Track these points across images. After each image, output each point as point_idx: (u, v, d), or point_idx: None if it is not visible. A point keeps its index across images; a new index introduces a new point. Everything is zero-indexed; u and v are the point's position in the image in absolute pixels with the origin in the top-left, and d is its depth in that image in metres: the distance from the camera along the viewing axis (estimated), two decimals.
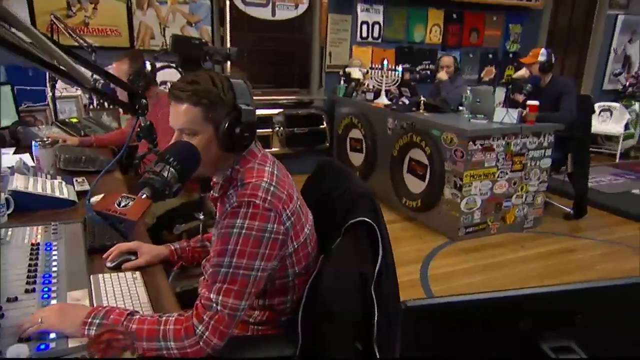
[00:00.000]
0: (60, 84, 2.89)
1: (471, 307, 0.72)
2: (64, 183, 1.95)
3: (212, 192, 1.25)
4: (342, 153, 4.91)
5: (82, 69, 0.90)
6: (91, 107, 3.46)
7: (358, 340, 1.25)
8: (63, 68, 0.85)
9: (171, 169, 1.02)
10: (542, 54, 3.76)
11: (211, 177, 1.27)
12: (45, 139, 2.09)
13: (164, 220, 2.50)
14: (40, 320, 0.99)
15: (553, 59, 3.83)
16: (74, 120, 2.90)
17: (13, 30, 0.68)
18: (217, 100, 1.12)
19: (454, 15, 5.53)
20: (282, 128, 4.89)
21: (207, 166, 1.16)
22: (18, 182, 1.78)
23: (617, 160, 6.15)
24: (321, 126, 5.09)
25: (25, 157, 2.25)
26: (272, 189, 1.12)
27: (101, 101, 3.30)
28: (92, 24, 3.94)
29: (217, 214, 1.25)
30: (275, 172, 1.19)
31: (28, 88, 3.55)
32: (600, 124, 6.12)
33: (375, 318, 1.22)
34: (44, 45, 0.77)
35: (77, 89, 3.56)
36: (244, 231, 1.07)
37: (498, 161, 3.57)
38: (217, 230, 1.15)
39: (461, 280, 3.03)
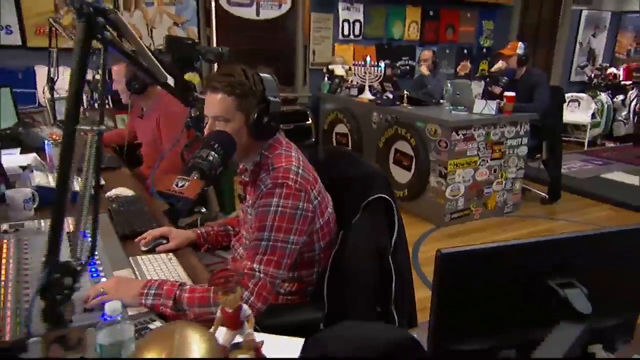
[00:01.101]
0: (57, 85, 2.94)
1: (490, 253, 0.87)
2: (78, 179, 2.03)
3: (242, 176, 1.38)
4: (329, 145, 5.06)
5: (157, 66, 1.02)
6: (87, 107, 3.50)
7: (377, 303, 1.40)
8: (145, 64, 0.97)
9: (215, 154, 1.14)
10: (520, 47, 4.01)
11: (237, 163, 1.39)
12: (57, 138, 2.16)
13: (169, 214, 2.59)
14: (101, 290, 1.11)
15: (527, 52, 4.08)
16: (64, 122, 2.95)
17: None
18: (249, 91, 1.25)
19: (431, 12, 5.76)
20: None
21: (238, 152, 1.28)
22: (39, 178, 1.87)
23: (586, 147, 6.50)
24: (307, 122, 5.22)
25: (32, 156, 2.32)
26: (300, 171, 1.26)
27: (95, 102, 3.35)
28: None
29: (247, 197, 1.38)
30: (300, 157, 1.33)
31: (18, 90, 3.57)
32: (569, 114, 6.45)
33: (393, 284, 1.37)
34: (140, 48, 0.90)
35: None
36: (279, 209, 1.21)
37: (479, 150, 3.79)
38: (253, 209, 1.28)
39: None
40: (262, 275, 1.18)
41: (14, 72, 3.73)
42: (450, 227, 3.82)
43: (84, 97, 3.51)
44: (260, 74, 1.27)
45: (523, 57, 4.03)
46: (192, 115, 1.27)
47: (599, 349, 0.93)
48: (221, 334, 0.82)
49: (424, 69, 4.52)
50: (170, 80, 1.10)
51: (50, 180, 1.90)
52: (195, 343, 0.65)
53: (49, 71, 2.83)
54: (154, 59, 1.00)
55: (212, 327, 0.81)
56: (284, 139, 1.37)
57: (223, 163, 1.17)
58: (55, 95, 2.95)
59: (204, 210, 2.78)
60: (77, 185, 1.90)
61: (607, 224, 3.86)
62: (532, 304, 0.88)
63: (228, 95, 1.23)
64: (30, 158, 2.19)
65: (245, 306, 0.82)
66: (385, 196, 1.35)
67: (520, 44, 4.05)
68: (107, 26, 0.72)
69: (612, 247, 0.94)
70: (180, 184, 1.02)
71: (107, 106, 3.63)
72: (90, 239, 0.89)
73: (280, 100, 1.29)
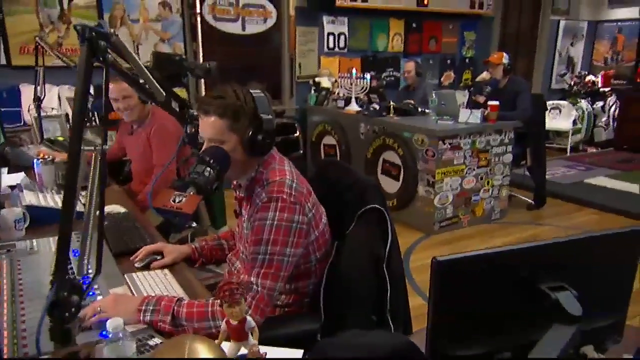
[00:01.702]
0: (44, 103, 2.92)
1: (484, 259, 0.90)
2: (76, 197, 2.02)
3: (237, 192, 1.40)
4: (316, 159, 5.08)
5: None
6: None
7: (373, 313, 1.42)
8: (142, 81, 0.99)
9: (210, 170, 1.16)
10: (505, 57, 4.13)
11: (231, 180, 1.41)
12: (46, 157, 2.15)
13: (161, 229, 2.59)
14: (99, 309, 1.11)
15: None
16: (61, 138, 2.94)
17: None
18: (241, 112, 1.26)
19: (414, 25, 5.86)
20: None
21: (233, 170, 1.30)
22: (30, 198, 1.86)
23: (568, 153, 6.63)
24: (294, 134, 5.25)
25: (20, 176, 2.30)
26: (294, 185, 1.28)
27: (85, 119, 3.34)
28: (65, 43, 3.97)
29: (243, 211, 1.39)
30: (293, 170, 1.35)
31: (3, 109, 3.54)
32: (551, 121, 6.59)
33: (388, 293, 1.39)
34: (139, 68, 0.91)
35: (53, 109, 3.58)
36: (275, 222, 1.23)
37: (465, 158, 3.85)
38: (249, 224, 1.29)
39: None
40: (259, 288, 1.20)
41: None
42: (439, 235, 3.86)
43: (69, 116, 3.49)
44: (252, 92, 1.29)
45: (508, 67, 4.14)
46: (188, 132, 1.28)
47: (591, 350, 0.96)
48: (226, 346, 0.84)
49: (409, 80, 4.61)
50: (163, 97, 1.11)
51: (41, 200, 1.89)
52: (205, 356, 0.66)
53: (35, 89, 2.82)
54: (153, 79, 1.02)
55: (218, 340, 0.82)
56: (277, 153, 1.39)
57: (218, 178, 1.19)
58: (42, 114, 2.94)
59: (195, 224, 2.78)
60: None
61: (592, 228, 3.94)
62: (525, 307, 0.91)
63: (220, 118, 1.24)
64: (19, 177, 2.17)
65: (249, 318, 0.83)
66: (379, 206, 1.38)
67: (504, 54, 4.16)
68: (109, 49, 0.74)
69: (600, 250, 0.97)
70: (177, 200, 1.04)
71: (92, 123, 3.62)
72: (83, 256, 0.89)
73: (273, 116, 1.31)
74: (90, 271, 0.86)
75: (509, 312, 0.91)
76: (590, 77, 7.23)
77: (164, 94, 1.09)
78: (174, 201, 1.03)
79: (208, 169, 1.16)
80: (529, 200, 4.50)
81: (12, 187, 2.06)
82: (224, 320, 0.83)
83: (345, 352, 0.70)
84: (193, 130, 1.29)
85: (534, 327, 0.90)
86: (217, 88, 1.28)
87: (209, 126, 1.26)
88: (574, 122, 6.70)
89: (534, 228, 4.09)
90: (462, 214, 3.99)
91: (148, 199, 1.14)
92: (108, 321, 0.82)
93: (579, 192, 4.87)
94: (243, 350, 0.85)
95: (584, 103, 6.91)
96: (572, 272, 0.92)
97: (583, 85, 7.14)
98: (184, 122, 1.29)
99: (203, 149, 1.28)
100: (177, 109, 1.27)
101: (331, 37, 5.35)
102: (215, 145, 1.24)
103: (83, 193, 2.17)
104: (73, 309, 0.67)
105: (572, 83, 7.22)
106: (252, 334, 0.84)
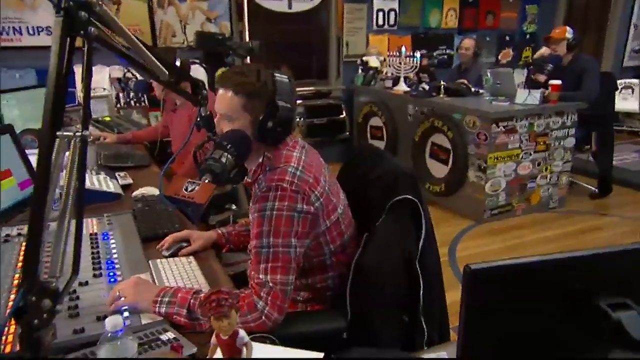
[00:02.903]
0: (95, 84, 2.98)
1: (525, 268, 0.77)
2: (108, 178, 2.04)
3: (246, 177, 1.32)
4: (362, 141, 4.95)
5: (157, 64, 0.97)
6: (118, 105, 3.56)
7: (404, 312, 1.31)
8: (143, 62, 0.92)
9: (228, 156, 1.08)
10: (568, 32, 3.75)
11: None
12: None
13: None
14: (118, 293, 1.08)
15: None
16: (107, 118, 3.00)
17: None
18: (258, 93, 1.18)
19: None
20: (302, 119, 4.94)
21: None
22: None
23: None
24: (340, 116, 5.13)
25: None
26: (298, 173, 1.18)
27: (130, 100, 3.40)
28: None
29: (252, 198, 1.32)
30: (303, 157, 1.24)
31: None
32: (621, 102, 6.03)
33: (421, 291, 1.27)
34: (133, 44, 0.85)
35: (105, 89, 3.68)
36: (275, 212, 1.15)
37: (521, 142, 3.58)
38: (251, 214, 1.22)
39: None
40: (271, 284, 1.12)
41: (11, 73, 3.79)
42: (490, 223, 3.65)
43: (120, 96, 3.57)
44: (276, 76, 1.20)
45: (573, 42, 3.76)
46: (202, 114, 1.21)
47: None
48: None
49: (464, 58, 4.33)
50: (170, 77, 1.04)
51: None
52: None
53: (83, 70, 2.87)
54: (152, 56, 0.95)
55: (207, 356, 0.75)
56: (291, 139, 1.28)
57: (237, 164, 1.11)
58: (92, 94, 3.00)
59: (234, 207, 2.76)
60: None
61: None
62: (574, 326, 0.77)
63: (235, 94, 1.18)
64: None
65: (242, 332, 0.75)
66: (411, 197, 1.25)
67: (568, 28, 3.79)
68: (93, 20, 0.66)
69: None
70: (189, 188, 0.97)
71: (142, 104, 3.68)
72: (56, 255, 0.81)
73: (293, 105, 1.22)
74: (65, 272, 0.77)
75: (553, 329, 0.78)
76: None
77: (168, 73, 1.01)
78: (186, 190, 0.96)
79: (226, 154, 1.08)
80: (593, 188, 4.15)
81: None
82: (214, 334, 0.75)
83: None
84: (208, 112, 1.22)
85: (583, 349, 0.77)
86: (241, 65, 1.20)
87: (223, 100, 1.20)
88: None
89: (596, 219, 3.76)
90: (515, 201, 3.74)
91: (159, 186, 1.08)
92: (107, 320, 0.77)
93: None
94: None
95: None
96: (638, 288, 0.77)
97: None
98: (197, 103, 1.21)
99: (216, 124, 1.21)
100: (189, 90, 1.20)
101: (380, 14, 5.12)
102: (235, 129, 1.17)
103: (122, 174, 2.19)
104: (44, 315, 0.62)
105: None
106: (246, 348, 0.75)
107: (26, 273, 0.62)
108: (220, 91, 1.20)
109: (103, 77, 3.88)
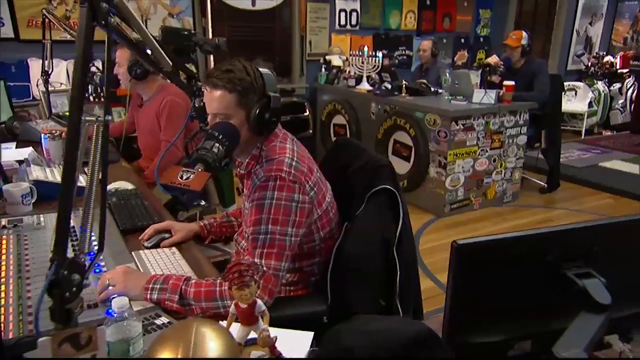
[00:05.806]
0: (52, 78, 2.89)
1: (506, 243, 0.86)
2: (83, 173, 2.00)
3: (238, 169, 1.35)
4: (325, 139, 5.02)
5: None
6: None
7: (381, 296, 1.38)
8: (151, 55, 0.94)
9: (219, 146, 1.12)
10: (524, 38, 3.98)
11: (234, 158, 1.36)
12: (53, 132, 2.12)
13: (169, 207, 2.56)
14: (107, 281, 1.09)
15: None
16: (69, 113, 2.90)
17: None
18: (250, 87, 1.22)
19: (428, 2, 5.70)
20: None
21: (238, 147, 1.25)
22: (37, 173, 1.83)
23: (583, 136, 6.50)
24: (304, 114, 5.18)
25: (28, 150, 2.28)
26: (294, 163, 1.24)
27: (90, 94, 3.31)
28: (73, 17, 3.90)
29: (244, 189, 1.35)
30: (295, 148, 1.30)
31: (12, 84, 3.51)
32: (566, 103, 6.44)
33: (398, 276, 1.35)
34: (144, 36, 0.86)
35: (62, 84, 3.55)
36: (274, 201, 1.19)
37: (479, 140, 3.77)
38: (248, 203, 1.26)
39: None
40: (265, 268, 1.16)
41: (7, 66, 3.67)
42: (450, 217, 3.81)
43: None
44: (260, 69, 1.24)
45: (527, 48, 4.02)
46: (196, 105, 1.23)
47: (615, 339, 0.92)
48: (235, 330, 0.80)
49: (423, 59, 4.49)
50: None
51: (48, 175, 1.86)
52: (213, 340, 0.63)
53: (43, 64, 2.78)
54: (160, 49, 0.97)
55: (226, 323, 0.79)
56: (280, 130, 1.34)
57: (227, 154, 1.14)
58: (50, 88, 2.90)
59: (203, 203, 2.75)
60: (82, 179, 1.88)
61: (607, 213, 3.86)
62: (548, 294, 0.87)
63: (229, 92, 1.21)
64: (27, 152, 2.15)
65: (259, 301, 0.80)
66: (390, 187, 1.33)
67: (524, 34, 4.02)
68: (111, 13, 0.69)
69: (628, 236, 0.92)
70: (185, 177, 1.00)
71: (102, 99, 3.58)
72: (90, 233, 0.86)
73: (279, 95, 1.27)
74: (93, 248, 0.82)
75: (530, 299, 0.87)
76: (609, 58, 7.03)
77: (171, 63, 1.04)
78: (181, 178, 0.99)
79: (217, 144, 1.11)
80: (542, 184, 4.42)
81: (19, 162, 2.04)
82: (233, 303, 0.79)
83: (363, 339, 0.66)
84: (202, 103, 1.24)
85: (556, 315, 0.86)
86: (226, 62, 1.23)
87: (216, 100, 1.22)
88: (590, 104, 6.55)
89: (546, 212, 4.02)
90: (473, 196, 3.93)
91: (155, 175, 1.10)
92: (113, 300, 0.79)
93: (594, 175, 4.77)
94: (253, 334, 0.81)
95: (600, 85, 6.74)
96: (599, 259, 0.87)
97: (600, 66, 6.95)
98: (192, 94, 1.24)
99: (210, 124, 1.24)
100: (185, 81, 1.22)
101: (343, 14, 5.22)
102: (224, 121, 1.20)
103: (86, 169, 2.15)
104: (74, 288, 0.64)
105: (590, 64, 7.04)
106: (262, 318, 0.80)
107: (57, 249, 0.64)
108: (212, 91, 1.22)
109: (60, 71, 3.76)
